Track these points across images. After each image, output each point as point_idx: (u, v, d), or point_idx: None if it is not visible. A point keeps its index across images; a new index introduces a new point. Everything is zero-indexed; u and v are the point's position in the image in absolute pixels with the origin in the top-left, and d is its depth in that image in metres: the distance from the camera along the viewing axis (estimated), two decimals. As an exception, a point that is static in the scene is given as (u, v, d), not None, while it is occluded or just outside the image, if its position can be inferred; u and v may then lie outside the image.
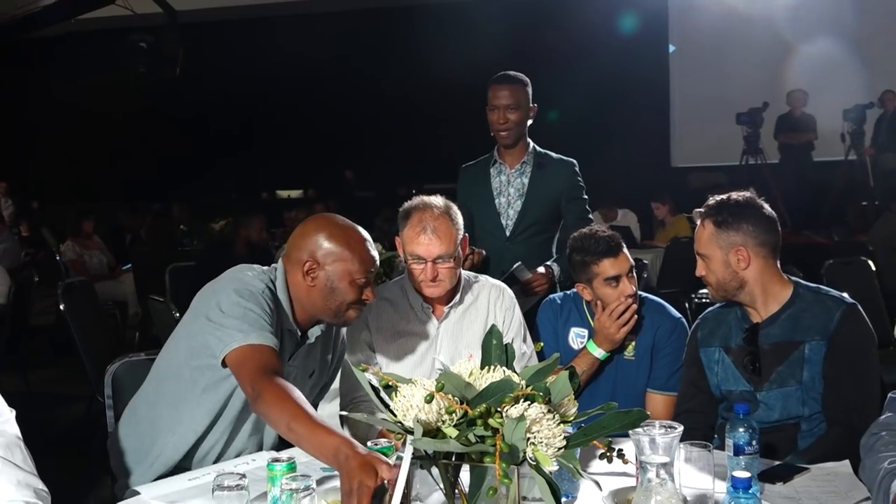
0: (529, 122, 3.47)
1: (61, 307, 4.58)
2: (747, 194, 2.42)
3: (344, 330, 2.53)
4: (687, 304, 6.91)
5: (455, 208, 2.61)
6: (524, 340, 2.68)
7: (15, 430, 1.80)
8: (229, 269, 2.30)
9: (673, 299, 3.05)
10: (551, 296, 2.97)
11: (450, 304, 2.62)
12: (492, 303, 2.67)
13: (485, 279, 2.74)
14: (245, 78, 11.83)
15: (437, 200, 2.59)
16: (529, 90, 3.45)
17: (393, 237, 2.73)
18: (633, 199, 9.05)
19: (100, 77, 11.20)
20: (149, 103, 11.86)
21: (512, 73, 3.48)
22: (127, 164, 13.17)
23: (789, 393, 2.31)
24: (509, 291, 2.74)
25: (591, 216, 3.51)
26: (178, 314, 4.13)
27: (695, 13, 12.06)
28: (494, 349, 1.71)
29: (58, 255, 8.24)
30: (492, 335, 1.72)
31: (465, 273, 2.69)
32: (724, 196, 2.40)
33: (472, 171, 3.60)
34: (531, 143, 3.52)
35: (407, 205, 2.60)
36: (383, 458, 1.68)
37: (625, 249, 2.72)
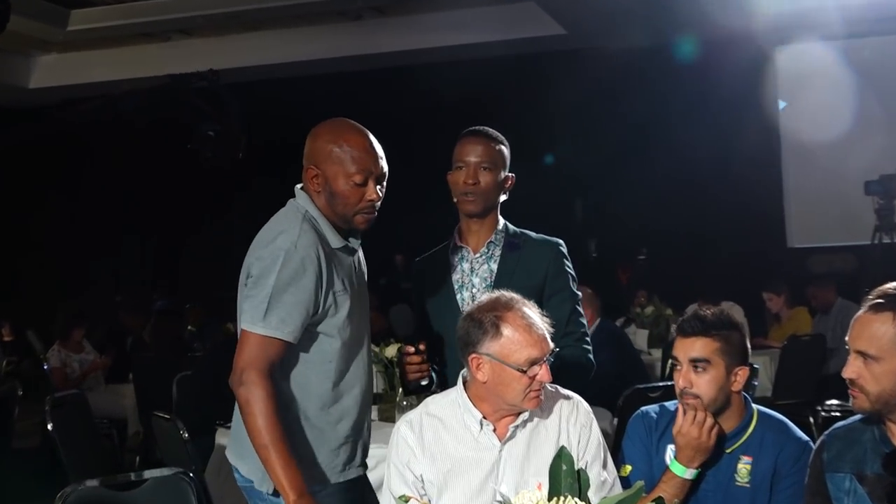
0: (504, 197, 3.18)
1: (49, 426, 4.69)
2: None
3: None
4: (812, 419, 6.77)
5: None
6: (604, 466, 2.66)
7: None
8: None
9: (793, 413, 2.99)
10: (644, 408, 2.93)
11: (515, 423, 2.61)
12: (564, 419, 2.66)
13: (555, 389, 2.72)
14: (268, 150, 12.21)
15: (510, 292, 2.65)
16: (508, 154, 3.16)
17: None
18: (739, 288, 8.96)
19: (164, 160, 12.51)
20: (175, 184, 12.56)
21: (488, 128, 3.18)
22: (135, 252, 13.66)
23: None
24: (585, 405, 2.72)
25: (581, 318, 3.16)
26: (186, 433, 4.18)
27: (806, 62, 12.08)
28: (564, 476, 1.72)
29: (45, 363, 8.40)
30: (561, 459, 1.73)
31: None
32: None
33: (426, 264, 3.31)
34: (502, 221, 3.21)
35: (484, 314, 2.56)
36: None
37: (707, 335, 2.66)
